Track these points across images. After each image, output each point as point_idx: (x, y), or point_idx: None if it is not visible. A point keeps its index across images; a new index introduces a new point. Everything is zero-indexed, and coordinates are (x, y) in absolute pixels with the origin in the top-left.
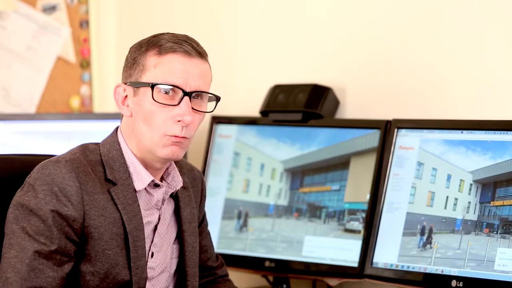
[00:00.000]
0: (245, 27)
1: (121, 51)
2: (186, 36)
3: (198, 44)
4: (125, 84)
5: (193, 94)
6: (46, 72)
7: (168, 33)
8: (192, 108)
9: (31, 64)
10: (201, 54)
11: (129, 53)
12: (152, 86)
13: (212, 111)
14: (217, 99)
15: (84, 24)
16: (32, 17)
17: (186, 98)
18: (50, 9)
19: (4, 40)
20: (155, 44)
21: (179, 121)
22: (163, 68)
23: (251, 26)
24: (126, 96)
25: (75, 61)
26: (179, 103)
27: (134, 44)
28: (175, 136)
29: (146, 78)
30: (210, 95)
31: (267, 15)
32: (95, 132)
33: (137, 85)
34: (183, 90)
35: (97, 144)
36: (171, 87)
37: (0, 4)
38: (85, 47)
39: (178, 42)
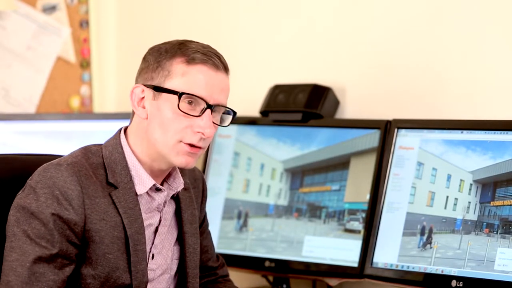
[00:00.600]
0: (245, 27)
1: (121, 51)
2: (211, 47)
3: (223, 58)
4: (145, 86)
5: (214, 108)
6: (46, 72)
7: (193, 42)
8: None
9: (31, 64)
10: (226, 68)
11: (150, 55)
12: (180, 95)
13: (228, 125)
14: (234, 114)
15: (84, 24)
16: (32, 17)
17: (208, 111)
18: (50, 9)
19: (4, 40)
20: (183, 52)
21: (198, 132)
22: (191, 78)
23: (251, 26)
24: (143, 97)
25: (75, 61)
26: (200, 114)
27: (155, 47)
28: (191, 145)
29: (171, 84)
30: (225, 109)
31: (267, 15)
32: (95, 132)
33: (160, 90)
34: (206, 103)
35: (99, 145)
36: (196, 98)
37: (0, 4)
38: (85, 47)
39: (207, 54)
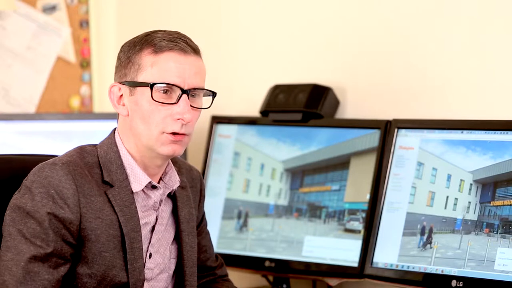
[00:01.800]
0: (245, 27)
1: None
2: (179, 33)
3: (191, 41)
4: (120, 83)
5: (190, 92)
6: (46, 72)
7: (160, 31)
8: (190, 105)
9: (31, 64)
10: (196, 50)
11: (121, 52)
12: (151, 86)
13: (209, 107)
14: (214, 94)
15: (84, 24)
16: (32, 17)
17: (185, 96)
18: (50, 9)
19: (4, 40)
20: (150, 42)
21: (178, 119)
22: (160, 67)
23: (252, 26)
24: (121, 95)
25: (75, 61)
26: (177, 101)
27: (126, 43)
28: (174, 133)
29: (143, 77)
30: (205, 90)
31: (267, 15)
32: (95, 132)
33: (134, 84)
34: (181, 88)
35: (94, 145)
36: (170, 86)
37: (0, 4)
38: (85, 47)
39: (173, 40)
